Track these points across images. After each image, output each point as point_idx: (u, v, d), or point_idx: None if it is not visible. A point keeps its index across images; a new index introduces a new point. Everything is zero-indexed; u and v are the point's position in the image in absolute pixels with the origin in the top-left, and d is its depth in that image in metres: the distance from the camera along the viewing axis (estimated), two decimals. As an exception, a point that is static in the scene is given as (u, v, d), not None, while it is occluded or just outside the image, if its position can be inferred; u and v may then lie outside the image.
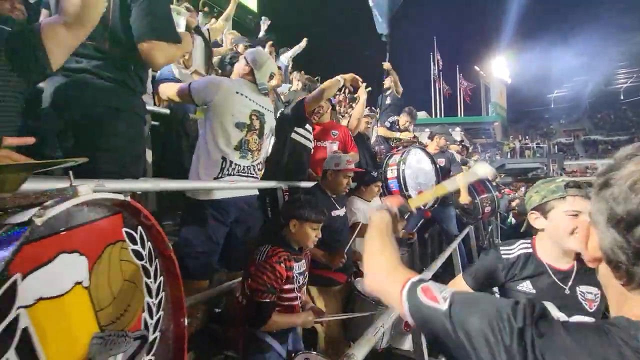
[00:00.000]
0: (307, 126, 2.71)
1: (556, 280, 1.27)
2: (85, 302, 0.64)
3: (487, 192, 4.10)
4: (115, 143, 1.32)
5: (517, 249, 1.37)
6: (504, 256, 1.37)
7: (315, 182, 2.52)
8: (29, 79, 0.97)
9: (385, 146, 4.37)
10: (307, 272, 1.89)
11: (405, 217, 1.12)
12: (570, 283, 1.26)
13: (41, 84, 1.29)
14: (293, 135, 2.58)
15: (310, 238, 1.77)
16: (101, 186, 1.03)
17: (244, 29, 4.61)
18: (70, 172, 0.65)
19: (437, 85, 28.33)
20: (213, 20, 3.96)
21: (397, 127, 4.53)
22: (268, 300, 1.57)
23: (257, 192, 2.20)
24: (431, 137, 4.32)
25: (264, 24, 5.29)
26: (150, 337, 0.83)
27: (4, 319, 0.44)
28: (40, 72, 1.00)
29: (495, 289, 1.46)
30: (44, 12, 1.55)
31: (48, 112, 1.34)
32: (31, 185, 0.84)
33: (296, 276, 1.75)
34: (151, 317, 0.85)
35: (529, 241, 1.37)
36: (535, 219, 1.32)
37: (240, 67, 2.12)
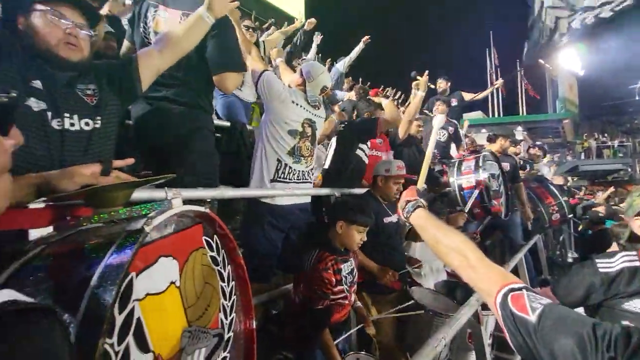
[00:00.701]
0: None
1: None
2: (177, 299, 0.73)
3: (551, 198, 3.72)
4: (193, 159, 1.49)
5: (619, 261, 1.23)
6: (602, 270, 1.24)
7: (367, 189, 2.53)
8: (123, 102, 1.14)
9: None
10: (356, 270, 1.91)
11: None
12: None
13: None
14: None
15: (355, 241, 1.78)
16: (177, 195, 1.16)
17: (289, 39, 4.76)
18: (166, 189, 0.75)
19: (493, 82, 26.47)
20: (271, 30, 4.16)
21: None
22: (322, 307, 1.62)
23: (310, 198, 2.29)
24: (492, 139, 4.03)
25: (317, 38, 5.26)
26: (226, 336, 0.91)
27: (125, 309, 0.53)
28: (132, 94, 1.18)
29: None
30: (125, 43, 1.81)
31: (136, 135, 1.56)
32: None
33: (345, 277, 1.78)
34: (226, 317, 0.93)
35: (634, 253, 1.23)
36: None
37: (294, 77, 2.23)
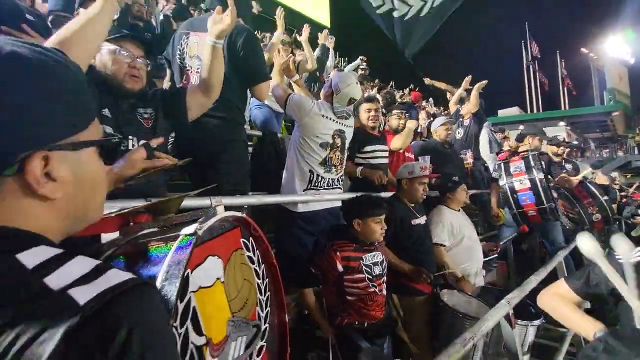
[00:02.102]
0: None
1: None
2: (222, 293, 0.85)
3: (591, 198, 3.50)
4: (229, 168, 1.64)
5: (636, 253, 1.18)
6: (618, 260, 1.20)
7: (393, 193, 2.57)
8: (173, 126, 1.32)
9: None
10: (385, 264, 1.95)
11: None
12: None
13: None
14: None
15: (376, 232, 1.84)
16: (220, 202, 1.30)
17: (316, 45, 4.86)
18: (210, 197, 0.88)
19: (532, 75, 25.09)
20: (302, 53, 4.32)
21: None
22: (313, 272, 1.76)
23: (340, 204, 2.37)
24: (521, 139, 3.88)
25: (330, 42, 5.29)
26: (263, 327, 1.02)
27: (185, 299, 0.65)
28: (181, 121, 1.36)
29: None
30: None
31: (177, 146, 1.75)
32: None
33: (368, 267, 1.83)
34: (262, 311, 1.04)
35: None
36: None
37: (325, 88, 2.31)
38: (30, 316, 0.32)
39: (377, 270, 1.88)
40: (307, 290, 1.84)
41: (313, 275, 1.80)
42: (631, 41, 26.14)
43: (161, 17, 4.10)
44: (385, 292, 1.94)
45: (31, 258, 0.37)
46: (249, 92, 1.97)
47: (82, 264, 0.39)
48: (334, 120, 2.20)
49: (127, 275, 0.38)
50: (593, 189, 3.56)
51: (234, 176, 1.68)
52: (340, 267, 1.77)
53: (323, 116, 2.15)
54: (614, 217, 3.69)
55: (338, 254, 1.77)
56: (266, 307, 1.06)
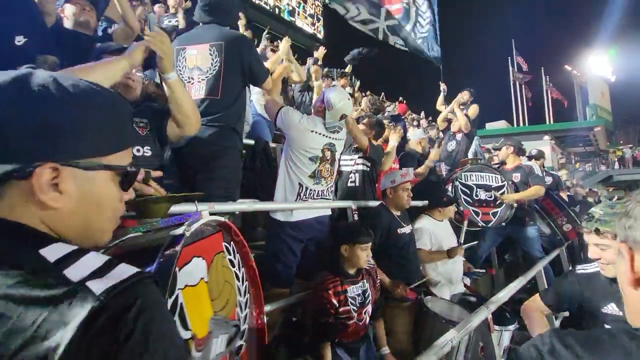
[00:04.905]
0: None
1: None
2: (205, 292, 0.90)
3: (558, 208, 3.67)
4: (222, 173, 1.70)
5: (596, 264, 1.25)
6: (579, 272, 1.28)
7: (380, 202, 2.64)
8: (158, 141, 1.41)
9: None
10: (369, 291, 1.97)
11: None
12: None
13: None
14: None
15: (362, 259, 1.88)
16: (212, 208, 1.35)
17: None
18: (197, 203, 0.93)
19: (518, 90, 25.86)
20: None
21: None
22: (325, 321, 1.74)
23: (329, 212, 2.42)
24: (498, 149, 4.10)
25: (320, 52, 5.20)
26: (242, 327, 1.07)
27: (173, 295, 0.70)
28: (162, 141, 1.45)
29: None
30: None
31: (173, 150, 1.79)
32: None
33: (353, 298, 1.86)
34: (241, 311, 1.09)
35: None
36: None
37: (317, 103, 2.35)
38: (53, 304, 0.38)
39: (360, 300, 1.91)
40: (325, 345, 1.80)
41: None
42: (613, 59, 27.25)
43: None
44: (366, 321, 1.96)
45: (52, 252, 0.43)
46: (247, 99, 2.06)
47: (95, 259, 0.44)
48: (324, 135, 2.24)
49: (133, 269, 0.44)
50: (558, 199, 3.71)
51: (225, 182, 1.72)
52: (335, 303, 1.80)
53: (312, 131, 2.19)
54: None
55: (330, 292, 1.79)
56: (245, 308, 1.11)
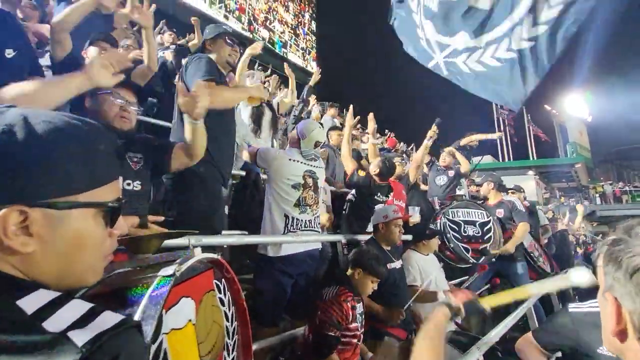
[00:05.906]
0: None
1: None
2: (192, 335, 0.86)
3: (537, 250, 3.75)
4: (199, 204, 1.70)
5: (589, 304, 1.23)
6: (572, 310, 1.25)
7: (370, 236, 2.64)
8: (154, 174, 1.45)
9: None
10: (363, 314, 1.99)
11: (475, 314, 1.10)
12: None
13: None
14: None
15: (368, 289, 1.93)
16: (199, 241, 1.33)
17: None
18: (189, 238, 0.92)
19: (502, 126, 26.96)
20: (284, 92, 4.46)
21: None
22: (332, 334, 1.71)
23: (319, 246, 2.40)
24: (480, 184, 4.26)
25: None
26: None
27: (157, 341, 0.67)
28: (162, 172, 1.50)
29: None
30: None
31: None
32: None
33: (360, 315, 1.89)
34: (228, 355, 1.04)
35: None
36: None
37: (292, 135, 2.47)
38: (33, 356, 0.36)
39: (361, 320, 1.93)
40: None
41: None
42: (589, 101, 28.86)
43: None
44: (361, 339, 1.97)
45: (30, 304, 0.41)
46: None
47: (77, 307, 0.43)
48: (302, 162, 2.32)
49: (118, 317, 0.43)
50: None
51: (203, 212, 1.72)
52: (350, 315, 1.79)
53: (290, 159, 2.28)
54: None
55: (348, 304, 1.80)
56: (233, 351, 1.06)
